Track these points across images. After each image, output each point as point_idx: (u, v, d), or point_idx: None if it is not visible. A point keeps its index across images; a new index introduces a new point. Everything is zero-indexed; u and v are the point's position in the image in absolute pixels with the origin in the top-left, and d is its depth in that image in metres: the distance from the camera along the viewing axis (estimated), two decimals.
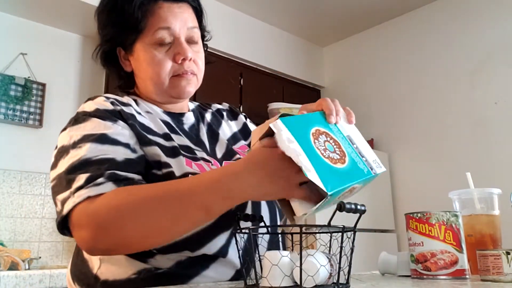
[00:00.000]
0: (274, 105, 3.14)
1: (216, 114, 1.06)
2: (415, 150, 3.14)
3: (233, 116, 1.08)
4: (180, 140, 0.88)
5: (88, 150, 0.76)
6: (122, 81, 0.99)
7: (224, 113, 1.07)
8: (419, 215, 0.77)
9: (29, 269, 2.15)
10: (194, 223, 0.72)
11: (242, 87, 3.14)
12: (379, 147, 3.31)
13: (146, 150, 0.81)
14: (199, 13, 0.96)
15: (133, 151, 0.80)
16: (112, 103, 0.85)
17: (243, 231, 0.66)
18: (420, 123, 3.13)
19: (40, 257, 2.38)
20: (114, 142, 0.78)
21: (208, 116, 1.03)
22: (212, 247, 0.79)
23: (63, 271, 1.87)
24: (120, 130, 0.81)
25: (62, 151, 0.80)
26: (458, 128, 2.93)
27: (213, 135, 0.98)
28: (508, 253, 0.68)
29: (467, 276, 0.74)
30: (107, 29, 0.93)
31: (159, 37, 0.87)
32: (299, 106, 3.11)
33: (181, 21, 0.89)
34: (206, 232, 0.78)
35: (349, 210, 0.59)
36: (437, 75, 3.10)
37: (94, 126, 0.80)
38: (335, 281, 0.59)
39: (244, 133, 1.05)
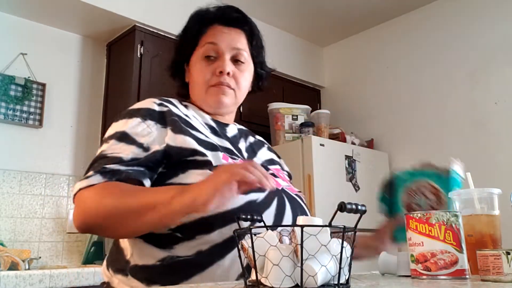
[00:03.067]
0: (274, 105, 3.14)
1: (258, 141, 1.17)
2: (415, 150, 3.14)
3: (272, 151, 1.20)
4: (221, 142, 0.99)
5: (108, 146, 0.91)
6: (183, 91, 1.13)
7: (266, 145, 1.20)
8: (419, 215, 0.77)
9: (29, 269, 2.15)
10: (147, 221, 0.82)
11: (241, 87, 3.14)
12: (379, 147, 3.31)
13: (179, 138, 0.91)
14: (251, 38, 1.12)
15: (145, 149, 0.90)
16: (160, 104, 0.97)
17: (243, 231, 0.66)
18: (420, 123, 3.13)
19: (40, 257, 2.38)
20: (130, 141, 0.90)
21: (251, 138, 1.15)
22: (228, 233, 0.84)
23: (63, 271, 1.87)
24: (143, 131, 0.92)
25: (102, 141, 0.95)
26: (458, 128, 2.93)
27: (252, 151, 1.09)
28: (508, 253, 0.68)
29: (467, 276, 0.74)
30: (177, 46, 1.12)
31: (205, 50, 1.03)
32: (299, 106, 3.13)
33: (228, 40, 1.04)
34: (217, 215, 0.84)
35: (349, 210, 0.59)
36: (437, 75, 3.10)
37: (124, 125, 0.93)
38: (335, 281, 0.59)
39: (280, 165, 1.16)
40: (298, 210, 0.98)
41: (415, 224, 0.76)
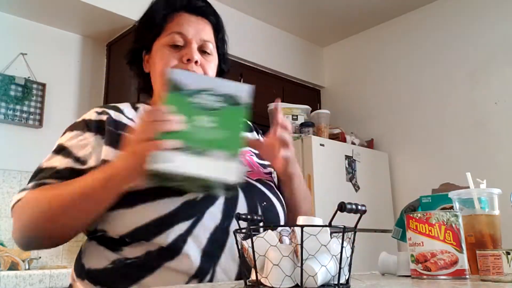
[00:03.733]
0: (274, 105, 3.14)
1: None
2: (415, 150, 3.14)
3: (249, 130, 1.12)
4: None
5: (45, 160, 0.92)
6: (141, 81, 1.08)
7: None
8: (419, 215, 0.77)
9: (29, 269, 2.16)
10: (84, 210, 0.82)
11: None
12: (379, 147, 3.31)
13: (110, 151, 0.88)
14: (217, 29, 1.05)
15: (82, 163, 0.89)
16: (100, 112, 0.96)
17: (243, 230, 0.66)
18: (420, 123, 3.13)
19: (40, 257, 2.38)
20: (67, 154, 0.90)
21: None
22: (168, 238, 0.81)
23: (63, 271, 1.87)
24: (81, 142, 0.91)
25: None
26: (458, 128, 2.93)
27: None
28: (508, 253, 0.68)
29: (467, 276, 0.74)
30: (136, 32, 1.06)
31: (171, 38, 0.97)
32: (299, 106, 3.13)
33: (195, 29, 0.99)
34: (162, 221, 0.81)
35: (349, 211, 0.59)
36: (437, 75, 3.10)
37: (66, 137, 0.93)
38: (335, 281, 0.59)
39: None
40: (256, 199, 0.91)
41: (415, 224, 0.77)
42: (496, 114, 2.78)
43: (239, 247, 0.65)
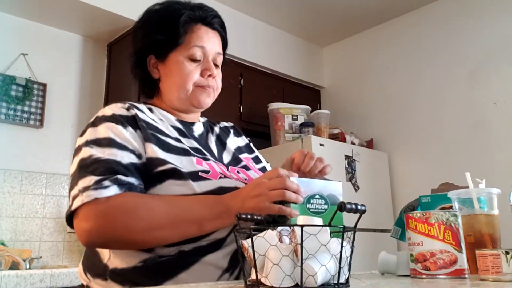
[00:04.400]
0: (274, 105, 3.15)
1: (224, 129, 1.19)
2: (415, 150, 3.15)
3: (238, 134, 1.22)
4: (190, 143, 1.00)
5: (97, 151, 0.88)
6: (145, 86, 1.11)
7: (231, 130, 1.21)
8: (418, 214, 0.77)
9: (29, 268, 2.16)
10: (186, 235, 0.85)
11: (242, 87, 3.14)
12: (379, 147, 3.32)
13: (149, 147, 0.91)
14: (224, 43, 1.12)
15: (139, 157, 0.90)
16: (128, 108, 0.96)
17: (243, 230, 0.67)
18: (420, 123, 3.14)
19: (41, 257, 2.38)
20: (122, 147, 0.89)
21: (216, 129, 1.16)
22: (217, 233, 0.88)
23: (64, 270, 1.88)
24: (128, 136, 0.91)
25: (77, 150, 0.92)
26: (458, 128, 2.93)
27: (221, 144, 1.11)
28: (507, 253, 0.68)
29: (466, 276, 0.74)
30: (148, 37, 1.05)
31: (193, 53, 1.02)
32: (299, 106, 3.13)
33: (212, 44, 1.05)
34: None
35: (349, 210, 0.59)
36: (436, 75, 3.10)
37: (106, 130, 0.91)
38: (335, 280, 0.59)
39: (248, 148, 1.19)
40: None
41: (414, 224, 0.77)
42: (496, 114, 2.78)
43: (239, 247, 0.66)
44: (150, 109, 1.03)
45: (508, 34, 2.81)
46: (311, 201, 0.87)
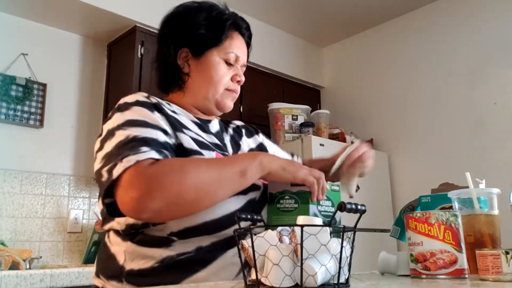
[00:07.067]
0: (274, 105, 3.15)
1: (236, 129, 1.21)
2: (415, 150, 3.15)
3: (250, 134, 1.23)
4: (210, 138, 1.02)
5: (133, 130, 0.86)
6: (168, 79, 1.09)
7: (243, 130, 1.23)
8: (418, 214, 0.77)
9: (30, 268, 2.16)
10: (233, 186, 0.85)
11: (242, 87, 3.13)
12: (379, 147, 3.32)
13: (179, 136, 0.92)
14: (248, 55, 1.18)
15: (171, 137, 0.90)
16: (147, 97, 0.96)
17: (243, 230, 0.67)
18: (420, 123, 3.14)
19: (41, 257, 2.38)
20: (155, 127, 0.88)
21: (230, 130, 1.19)
22: (229, 232, 0.87)
23: (64, 270, 1.88)
24: (158, 118, 0.91)
25: (108, 134, 0.88)
26: (458, 128, 2.93)
27: (236, 145, 1.13)
28: (507, 253, 0.68)
29: (466, 276, 0.75)
30: (191, 29, 1.06)
31: (230, 57, 1.06)
32: (299, 106, 3.13)
33: (244, 55, 1.11)
34: (223, 217, 0.87)
35: (349, 210, 0.60)
36: (436, 75, 3.11)
37: (136, 113, 0.90)
38: (335, 280, 0.59)
39: (259, 149, 1.21)
40: None
41: (414, 224, 0.77)
42: (495, 114, 2.78)
43: (239, 247, 0.66)
44: (168, 103, 1.04)
45: (508, 34, 2.81)
46: (281, 201, 0.91)
